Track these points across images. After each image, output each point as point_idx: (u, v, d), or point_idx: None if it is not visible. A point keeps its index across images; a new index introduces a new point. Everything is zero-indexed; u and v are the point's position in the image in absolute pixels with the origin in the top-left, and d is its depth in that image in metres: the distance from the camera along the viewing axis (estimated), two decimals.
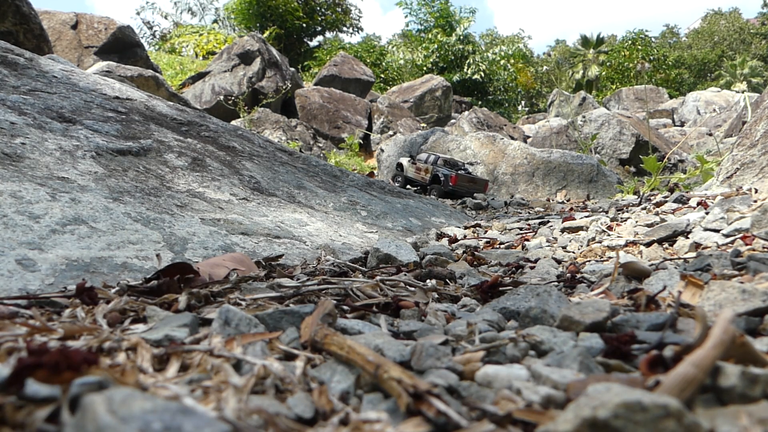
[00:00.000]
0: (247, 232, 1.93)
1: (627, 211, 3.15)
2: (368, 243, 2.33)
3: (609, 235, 2.32)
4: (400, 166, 7.81)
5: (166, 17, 31.20)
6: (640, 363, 0.70)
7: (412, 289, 1.30)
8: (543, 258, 1.97)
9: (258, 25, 26.19)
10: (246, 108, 12.74)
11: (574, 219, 2.92)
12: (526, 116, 23.15)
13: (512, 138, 11.38)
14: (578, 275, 1.52)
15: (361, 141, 13.28)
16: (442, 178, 6.77)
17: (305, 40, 28.64)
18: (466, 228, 3.22)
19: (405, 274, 1.50)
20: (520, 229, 3.02)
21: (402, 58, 26.40)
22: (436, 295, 1.30)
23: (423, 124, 14.55)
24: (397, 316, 1.07)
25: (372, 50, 27.96)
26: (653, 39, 35.43)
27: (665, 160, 5.35)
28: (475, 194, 6.29)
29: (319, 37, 30.15)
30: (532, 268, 1.79)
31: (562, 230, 2.63)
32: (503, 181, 6.67)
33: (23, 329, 0.80)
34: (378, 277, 1.35)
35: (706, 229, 1.96)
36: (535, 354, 0.82)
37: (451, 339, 0.88)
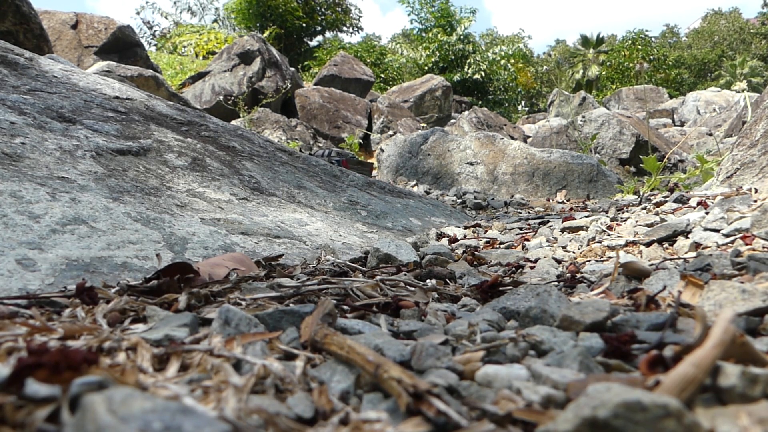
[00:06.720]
0: (247, 231, 1.93)
1: (627, 211, 3.15)
2: (368, 243, 2.33)
3: (609, 235, 2.31)
4: None
5: (166, 17, 31.21)
6: (640, 363, 0.70)
7: (412, 288, 1.30)
8: (543, 258, 1.97)
9: (258, 24, 26.17)
10: (246, 108, 12.72)
11: (574, 219, 2.92)
12: (526, 116, 23.12)
13: (512, 138, 11.37)
14: (578, 275, 1.52)
15: (361, 141, 13.26)
16: (335, 164, 9.13)
17: (305, 40, 28.62)
18: (466, 228, 3.22)
19: (405, 274, 1.50)
20: (520, 229, 3.02)
21: (404, 56, 26.40)
22: (436, 295, 1.30)
23: (423, 124, 14.53)
24: (397, 316, 1.07)
25: (372, 50, 27.92)
26: (653, 39, 35.43)
27: (665, 160, 5.33)
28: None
29: (319, 37, 30.14)
30: (532, 267, 1.79)
31: (562, 230, 2.63)
32: (503, 181, 6.66)
33: (23, 329, 0.80)
34: (378, 277, 1.35)
35: (706, 229, 1.95)
36: (535, 354, 0.82)
37: (451, 339, 0.88)
